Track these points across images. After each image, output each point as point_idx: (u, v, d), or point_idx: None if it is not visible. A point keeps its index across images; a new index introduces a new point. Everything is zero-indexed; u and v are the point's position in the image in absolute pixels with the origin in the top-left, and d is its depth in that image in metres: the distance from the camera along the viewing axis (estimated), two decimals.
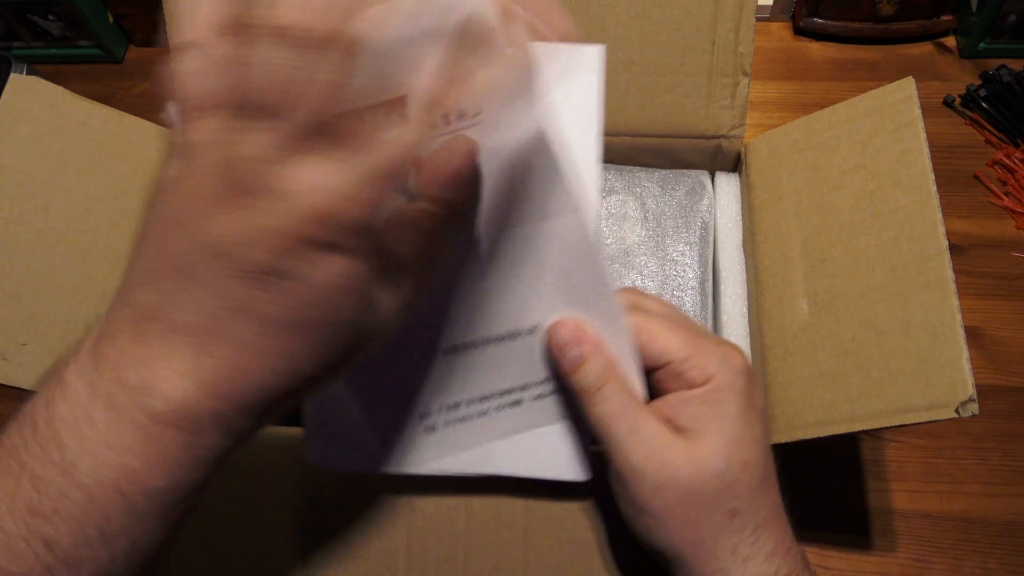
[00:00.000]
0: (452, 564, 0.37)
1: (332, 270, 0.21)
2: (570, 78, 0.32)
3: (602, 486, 0.33)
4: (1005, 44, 0.63)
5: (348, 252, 0.21)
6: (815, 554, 0.45)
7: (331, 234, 0.20)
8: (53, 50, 0.69)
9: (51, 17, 0.66)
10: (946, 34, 0.66)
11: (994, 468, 0.47)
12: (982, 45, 0.63)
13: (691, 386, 0.29)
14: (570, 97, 0.32)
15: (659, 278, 0.44)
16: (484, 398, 0.34)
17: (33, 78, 0.42)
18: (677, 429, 0.29)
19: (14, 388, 0.36)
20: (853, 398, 0.34)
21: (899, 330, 0.33)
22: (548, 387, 0.34)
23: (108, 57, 0.69)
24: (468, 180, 0.26)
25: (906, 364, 0.32)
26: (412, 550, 0.37)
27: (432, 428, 0.34)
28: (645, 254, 0.44)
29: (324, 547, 0.37)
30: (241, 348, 0.21)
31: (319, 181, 0.20)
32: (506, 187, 0.30)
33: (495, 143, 0.28)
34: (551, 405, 0.35)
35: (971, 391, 0.30)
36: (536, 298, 0.33)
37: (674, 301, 0.43)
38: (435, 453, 0.35)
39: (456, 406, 0.35)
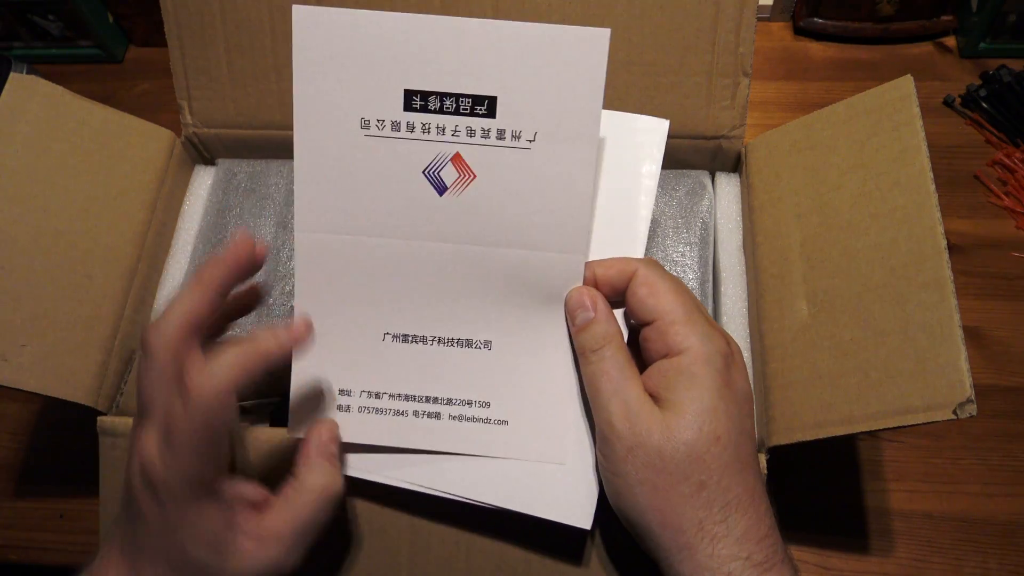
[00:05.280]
0: (454, 563, 0.37)
1: None
2: (640, 142, 0.36)
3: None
4: (1005, 44, 0.63)
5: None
6: (815, 554, 0.45)
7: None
8: (53, 50, 0.69)
9: (51, 17, 0.66)
10: (946, 34, 0.66)
11: (994, 468, 0.47)
12: (982, 45, 0.63)
13: (669, 352, 0.31)
14: (639, 159, 0.36)
15: None
16: (407, 397, 0.35)
17: (32, 77, 0.42)
18: (658, 400, 0.30)
19: (14, 389, 0.36)
20: (852, 399, 0.34)
21: (898, 331, 0.33)
22: (483, 412, 0.35)
23: (108, 57, 0.69)
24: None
25: (904, 365, 0.32)
26: (415, 547, 0.37)
27: (346, 409, 0.35)
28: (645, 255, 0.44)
29: (327, 546, 0.37)
30: None
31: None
32: (517, 208, 0.33)
33: (533, 165, 0.32)
34: (475, 431, 0.35)
35: (969, 392, 0.30)
36: (501, 316, 0.34)
37: None
38: (350, 434, 0.35)
39: (378, 396, 0.35)
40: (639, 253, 0.35)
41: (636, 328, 0.33)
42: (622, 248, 0.35)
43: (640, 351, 0.33)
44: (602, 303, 0.33)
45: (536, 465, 0.34)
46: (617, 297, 0.33)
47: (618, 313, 0.34)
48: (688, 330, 0.31)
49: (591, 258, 0.34)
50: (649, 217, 0.36)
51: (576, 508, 0.34)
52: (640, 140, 0.36)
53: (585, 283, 0.33)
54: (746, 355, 0.41)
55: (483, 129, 0.32)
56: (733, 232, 0.45)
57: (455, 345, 0.34)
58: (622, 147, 0.36)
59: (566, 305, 0.34)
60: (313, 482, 0.32)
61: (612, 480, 0.31)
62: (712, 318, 0.33)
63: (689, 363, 0.30)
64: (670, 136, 0.36)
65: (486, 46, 0.30)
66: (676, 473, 0.29)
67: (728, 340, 0.32)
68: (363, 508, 0.37)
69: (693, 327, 0.31)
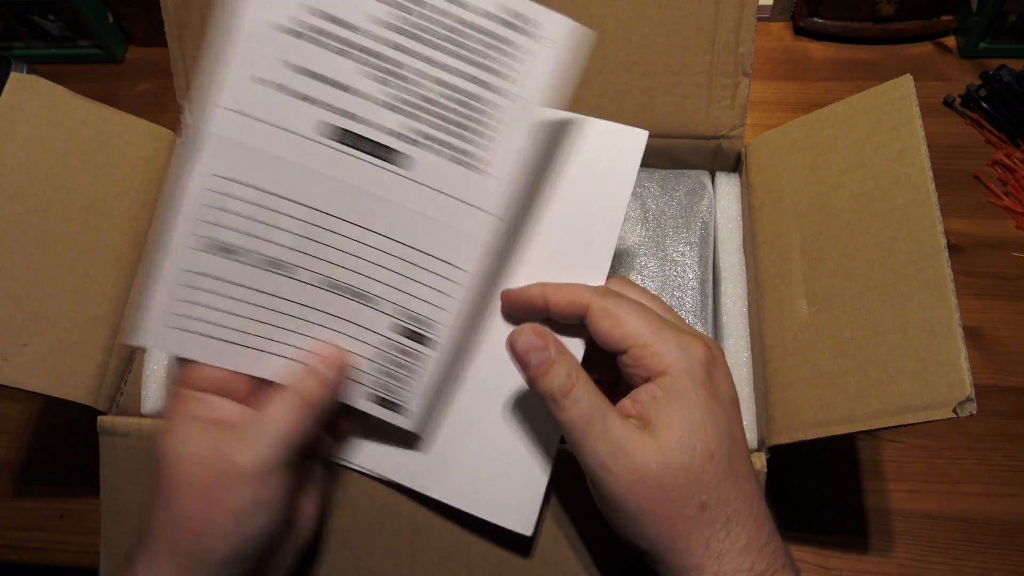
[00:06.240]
0: (454, 563, 0.37)
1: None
2: (615, 152, 0.35)
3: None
4: (1005, 44, 0.63)
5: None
6: (814, 554, 0.45)
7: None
8: (53, 50, 0.69)
9: (51, 17, 0.66)
10: (946, 34, 0.66)
11: (994, 468, 0.47)
12: (982, 45, 0.63)
13: (649, 374, 0.30)
14: (611, 171, 0.35)
15: (659, 279, 0.44)
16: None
17: (33, 77, 0.41)
18: (643, 423, 0.29)
19: (14, 388, 0.36)
20: (852, 398, 0.34)
21: (897, 330, 0.33)
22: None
23: (108, 57, 0.69)
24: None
25: (904, 364, 0.32)
26: (415, 547, 0.37)
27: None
28: (645, 255, 0.44)
29: (327, 545, 0.37)
30: None
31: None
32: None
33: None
34: None
35: (969, 391, 0.30)
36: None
37: (674, 302, 0.43)
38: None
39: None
40: (603, 272, 0.34)
41: (607, 354, 0.31)
42: (584, 268, 0.34)
43: (620, 376, 0.32)
44: (553, 338, 0.31)
45: (485, 465, 0.34)
46: (567, 322, 0.32)
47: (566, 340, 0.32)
48: (662, 349, 0.30)
49: (548, 275, 0.33)
50: (617, 233, 0.34)
51: (518, 513, 0.34)
52: (615, 153, 0.35)
53: (534, 305, 0.32)
54: (746, 355, 0.41)
55: None
56: (733, 232, 0.45)
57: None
58: (595, 158, 0.35)
59: (513, 350, 0.31)
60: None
61: (613, 516, 0.30)
62: (684, 322, 0.32)
63: (671, 382, 0.29)
64: (671, 136, 0.36)
65: None
66: (678, 499, 0.28)
67: (706, 344, 0.31)
68: (363, 508, 0.37)
69: (666, 344, 0.30)
